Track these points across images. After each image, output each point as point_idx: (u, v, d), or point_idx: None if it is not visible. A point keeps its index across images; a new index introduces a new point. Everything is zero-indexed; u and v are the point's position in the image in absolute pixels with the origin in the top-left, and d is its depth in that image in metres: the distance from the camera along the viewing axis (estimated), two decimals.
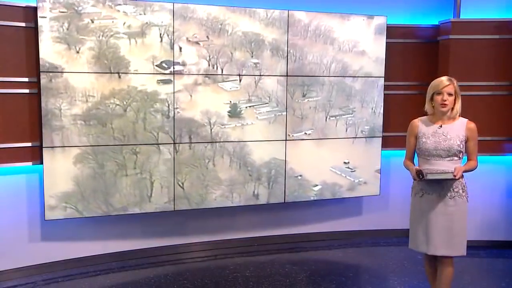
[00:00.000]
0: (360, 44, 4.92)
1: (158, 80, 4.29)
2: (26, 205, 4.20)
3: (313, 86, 4.82)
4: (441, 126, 3.29)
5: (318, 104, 4.87)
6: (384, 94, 5.05)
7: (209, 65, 4.45)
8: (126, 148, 4.24)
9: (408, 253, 3.78)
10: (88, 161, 4.15)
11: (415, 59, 5.15)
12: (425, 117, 3.40)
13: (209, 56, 4.44)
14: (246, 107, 4.60)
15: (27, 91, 4.04)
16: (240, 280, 4.25)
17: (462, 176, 3.27)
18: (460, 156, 3.27)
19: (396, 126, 5.07)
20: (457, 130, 3.26)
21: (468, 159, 3.34)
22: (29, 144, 4.08)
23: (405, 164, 3.46)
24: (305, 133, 4.85)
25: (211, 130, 4.50)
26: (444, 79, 3.28)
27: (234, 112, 4.57)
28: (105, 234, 4.53)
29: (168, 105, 4.33)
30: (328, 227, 5.31)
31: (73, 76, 4.04)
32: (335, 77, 4.89)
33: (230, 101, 4.54)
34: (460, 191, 3.26)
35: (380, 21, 4.94)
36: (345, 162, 5.02)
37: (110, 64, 4.14)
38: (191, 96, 4.41)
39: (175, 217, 4.71)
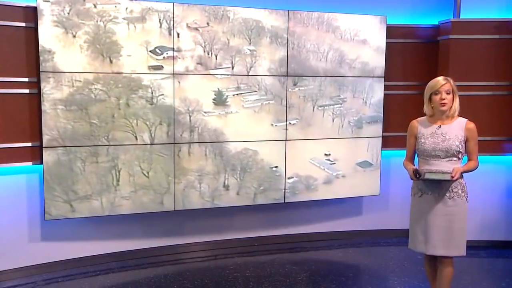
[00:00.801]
0: (361, 33, 4.91)
1: (149, 66, 4.26)
2: (26, 205, 4.20)
3: (306, 74, 4.76)
4: (440, 127, 3.29)
5: (308, 94, 4.80)
6: (384, 94, 5.05)
7: (204, 52, 4.42)
8: (100, 134, 4.15)
9: (408, 253, 3.78)
10: (57, 147, 4.09)
11: (415, 59, 5.15)
12: (424, 117, 3.40)
13: (205, 43, 4.40)
14: (233, 95, 4.54)
15: (27, 91, 4.04)
16: (240, 280, 4.25)
17: (461, 177, 3.27)
18: (460, 157, 3.27)
19: (396, 126, 5.07)
20: (456, 130, 3.26)
21: (469, 159, 3.33)
22: (29, 144, 4.08)
23: (404, 164, 3.46)
24: (290, 123, 4.77)
25: (190, 118, 4.42)
26: (440, 78, 3.28)
27: (220, 100, 4.51)
28: (105, 234, 4.53)
29: (152, 91, 4.28)
30: (328, 227, 5.31)
31: (64, 61, 4.00)
32: (333, 76, 4.89)
33: (218, 89, 4.49)
34: (459, 191, 3.26)
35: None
36: (326, 154, 4.93)
37: (103, 49, 4.10)
38: (179, 82, 4.36)
39: (175, 217, 4.71)
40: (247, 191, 4.70)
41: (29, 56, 4.02)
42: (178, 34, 4.32)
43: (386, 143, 5.15)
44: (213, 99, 4.49)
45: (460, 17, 4.95)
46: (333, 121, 4.92)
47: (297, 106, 4.79)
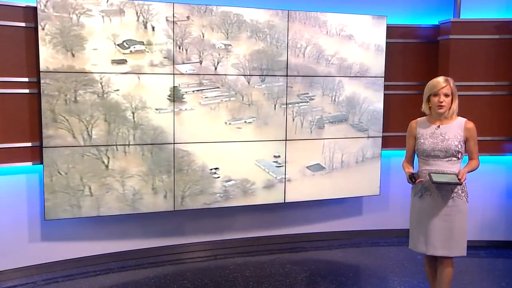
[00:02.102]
0: (348, 28, 4.84)
1: (112, 60, 4.11)
2: (26, 205, 4.20)
3: (274, 70, 4.60)
4: (439, 127, 3.29)
5: (273, 91, 4.61)
6: (384, 94, 5.04)
7: (175, 45, 4.28)
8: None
9: (408, 253, 3.78)
10: None
11: (415, 59, 5.15)
12: (423, 117, 3.40)
13: (176, 37, 4.26)
14: (193, 91, 4.35)
15: (27, 91, 4.04)
16: (240, 280, 4.25)
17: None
18: (459, 157, 3.26)
19: (396, 126, 5.07)
20: (455, 130, 3.26)
21: (469, 159, 3.33)
22: (29, 144, 4.08)
23: (403, 165, 3.46)
24: (245, 122, 4.54)
25: (133, 114, 4.20)
26: (440, 80, 3.27)
27: (175, 96, 4.31)
28: (105, 234, 4.53)
29: (102, 87, 4.09)
30: (328, 227, 5.31)
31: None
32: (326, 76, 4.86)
33: (179, 84, 4.32)
34: (459, 191, 3.25)
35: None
36: (275, 156, 4.70)
37: (66, 42, 3.97)
38: (139, 78, 4.19)
39: (175, 217, 4.71)
40: (174, 195, 4.42)
41: (29, 56, 4.02)
42: (153, 28, 4.20)
43: (386, 143, 5.14)
44: (168, 96, 4.31)
45: (460, 17, 4.95)
46: (293, 120, 4.72)
47: (259, 103, 4.58)
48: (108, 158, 4.20)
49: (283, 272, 4.41)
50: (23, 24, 3.98)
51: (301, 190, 4.86)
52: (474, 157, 3.30)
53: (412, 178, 3.23)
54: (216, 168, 4.54)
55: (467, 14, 4.94)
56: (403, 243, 4.64)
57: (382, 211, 5.38)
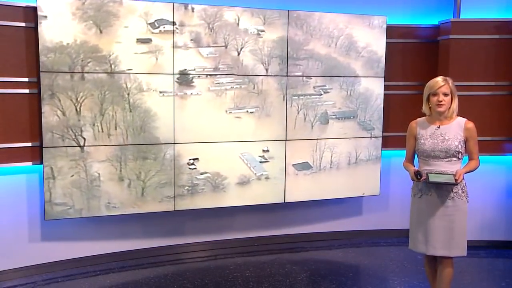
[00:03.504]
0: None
1: (137, 39, 4.09)
2: (26, 205, 4.20)
3: (296, 60, 4.54)
4: (439, 127, 3.29)
5: (287, 81, 4.52)
6: (384, 94, 5.04)
7: (207, 28, 4.23)
8: None
9: (408, 253, 3.78)
10: None
11: (415, 59, 5.15)
12: (423, 118, 3.40)
13: (209, 19, 4.20)
14: (206, 75, 4.27)
15: (27, 91, 4.04)
16: (240, 280, 4.25)
17: (462, 178, 3.27)
18: (459, 157, 3.26)
19: (396, 126, 5.07)
20: (455, 130, 3.26)
21: (469, 159, 3.33)
22: (29, 144, 4.08)
23: (404, 165, 3.46)
24: (247, 111, 4.40)
25: (128, 95, 4.10)
26: (439, 79, 3.27)
27: (183, 80, 4.23)
28: (105, 234, 4.53)
29: (111, 64, 4.04)
30: (328, 227, 5.31)
31: (55, 30, 3.90)
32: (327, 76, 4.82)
33: (195, 68, 4.26)
34: (460, 191, 3.25)
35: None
36: (263, 150, 4.54)
37: (97, 19, 3.96)
38: (156, 59, 4.14)
39: (175, 217, 4.71)
40: (135, 186, 4.23)
41: (29, 56, 4.02)
42: (192, 9, 4.17)
43: (386, 143, 5.14)
44: (177, 79, 4.22)
45: (460, 17, 4.95)
46: (298, 113, 4.60)
47: (267, 93, 4.48)
48: (84, 139, 4.07)
49: (283, 272, 4.41)
50: (23, 24, 3.98)
51: (297, 189, 4.82)
52: (474, 157, 3.30)
53: (418, 175, 3.23)
54: (195, 159, 4.35)
55: (467, 14, 4.94)
56: (403, 243, 4.64)
57: (382, 211, 5.38)
